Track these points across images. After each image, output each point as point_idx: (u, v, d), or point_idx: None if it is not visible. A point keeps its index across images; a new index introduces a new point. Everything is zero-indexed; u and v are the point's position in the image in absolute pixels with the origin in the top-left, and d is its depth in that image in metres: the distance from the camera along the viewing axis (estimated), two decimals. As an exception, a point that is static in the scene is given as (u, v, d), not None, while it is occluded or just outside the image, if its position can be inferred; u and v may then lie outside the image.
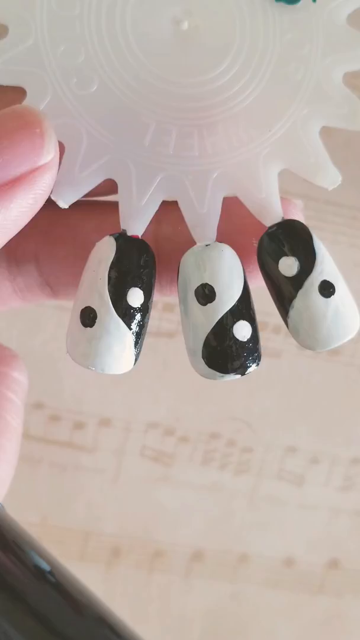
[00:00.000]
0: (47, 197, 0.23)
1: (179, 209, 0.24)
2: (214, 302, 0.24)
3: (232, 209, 0.25)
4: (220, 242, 0.24)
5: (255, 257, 0.25)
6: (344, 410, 0.33)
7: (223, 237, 0.24)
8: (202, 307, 0.24)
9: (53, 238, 0.25)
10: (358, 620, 0.39)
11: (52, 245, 0.25)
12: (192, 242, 0.24)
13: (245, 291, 0.24)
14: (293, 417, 0.34)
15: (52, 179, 0.22)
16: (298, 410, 0.33)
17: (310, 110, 0.25)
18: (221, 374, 0.24)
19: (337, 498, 0.36)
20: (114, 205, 0.24)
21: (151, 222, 0.24)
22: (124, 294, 0.24)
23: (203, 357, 0.24)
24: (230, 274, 0.24)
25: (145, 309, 0.24)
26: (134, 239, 0.24)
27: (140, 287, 0.24)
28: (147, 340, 0.31)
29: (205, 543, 0.36)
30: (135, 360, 0.24)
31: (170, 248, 0.25)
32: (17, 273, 0.26)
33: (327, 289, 0.24)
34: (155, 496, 0.35)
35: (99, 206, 0.25)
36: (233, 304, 0.24)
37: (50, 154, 0.22)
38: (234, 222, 0.25)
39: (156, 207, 0.24)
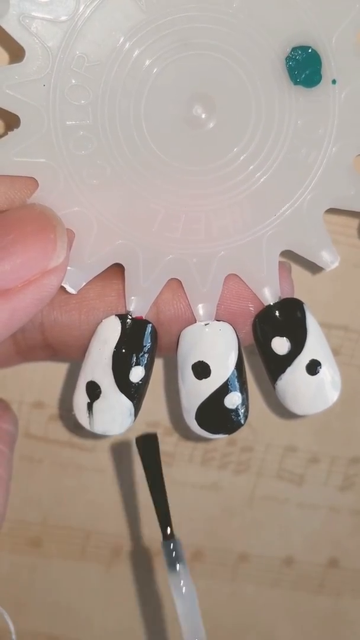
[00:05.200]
0: (53, 296, 0.23)
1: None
2: (208, 378, 0.25)
3: (230, 275, 0.25)
4: (218, 305, 0.25)
5: (251, 320, 0.26)
6: (344, 410, 0.33)
7: (221, 301, 0.25)
8: (198, 381, 0.25)
9: (57, 304, 0.25)
10: (358, 620, 0.39)
11: (56, 311, 0.25)
12: (190, 308, 0.25)
13: (239, 362, 0.26)
14: (293, 416, 0.34)
15: (59, 281, 0.23)
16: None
17: (317, 194, 0.24)
18: (211, 434, 0.26)
19: (337, 497, 0.36)
20: (116, 269, 0.25)
21: None
22: (127, 373, 0.25)
23: (196, 419, 0.26)
24: (225, 352, 0.25)
25: (146, 380, 0.26)
26: (138, 321, 0.25)
27: (142, 365, 0.25)
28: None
29: (205, 543, 0.36)
30: (134, 420, 0.26)
31: (171, 313, 0.26)
32: (22, 338, 0.26)
33: (313, 367, 0.26)
34: (155, 496, 0.35)
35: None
36: (226, 379, 0.25)
37: (60, 258, 0.22)
38: (232, 288, 0.25)
39: (160, 288, 0.25)
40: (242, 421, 0.26)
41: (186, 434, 0.34)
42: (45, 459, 0.34)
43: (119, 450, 0.34)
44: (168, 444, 0.34)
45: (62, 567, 0.36)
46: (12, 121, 0.23)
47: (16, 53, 0.23)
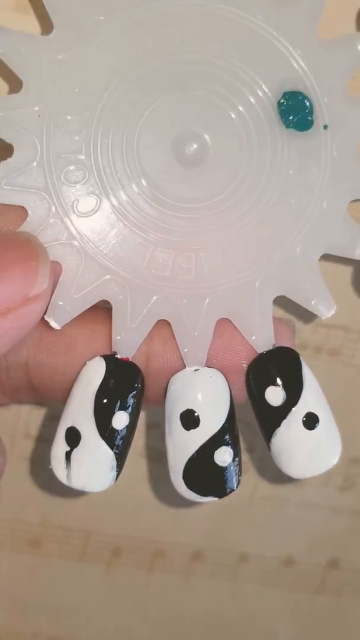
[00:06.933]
0: (34, 326, 0.22)
1: (170, 325, 0.24)
2: (197, 428, 0.24)
3: (224, 326, 0.24)
4: (210, 358, 0.24)
5: (244, 377, 0.25)
6: (343, 410, 0.33)
7: (213, 353, 0.24)
8: (186, 431, 0.24)
9: (44, 346, 0.25)
10: (358, 620, 0.39)
11: (42, 353, 0.25)
12: (181, 359, 0.24)
13: (231, 415, 0.24)
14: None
15: (42, 310, 0.22)
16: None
17: (311, 239, 0.24)
18: (200, 496, 0.24)
19: (337, 498, 0.36)
20: (106, 312, 0.24)
21: None
22: (110, 418, 0.24)
23: (183, 478, 0.24)
24: (216, 400, 0.24)
25: (130, 428, 0.24)
26: (124, 362, 0.24)
27: (126, 411, 0.24)
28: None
29: (205, 543, 0.36)
30: (116, 477, 0.24)
31: (160, 363, 0.24)
32: (6, 378, 0.25)
33: (311, 420, 0.24)
34: (155, 496, 0.35)
35: (90, 314, 0.24)
36: (216, 430, 0.24)
37: (42, 286, 0.22)
38: (225, 340, 0.25)
39: (149, 329, 0.24)
40: (235, 485, 0.24)
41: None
42: (45, 459, 0.34)
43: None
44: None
45: (62, 567, 0.36)
46: (5, 150, 0.23)
47: (15, 84, 0.23)
